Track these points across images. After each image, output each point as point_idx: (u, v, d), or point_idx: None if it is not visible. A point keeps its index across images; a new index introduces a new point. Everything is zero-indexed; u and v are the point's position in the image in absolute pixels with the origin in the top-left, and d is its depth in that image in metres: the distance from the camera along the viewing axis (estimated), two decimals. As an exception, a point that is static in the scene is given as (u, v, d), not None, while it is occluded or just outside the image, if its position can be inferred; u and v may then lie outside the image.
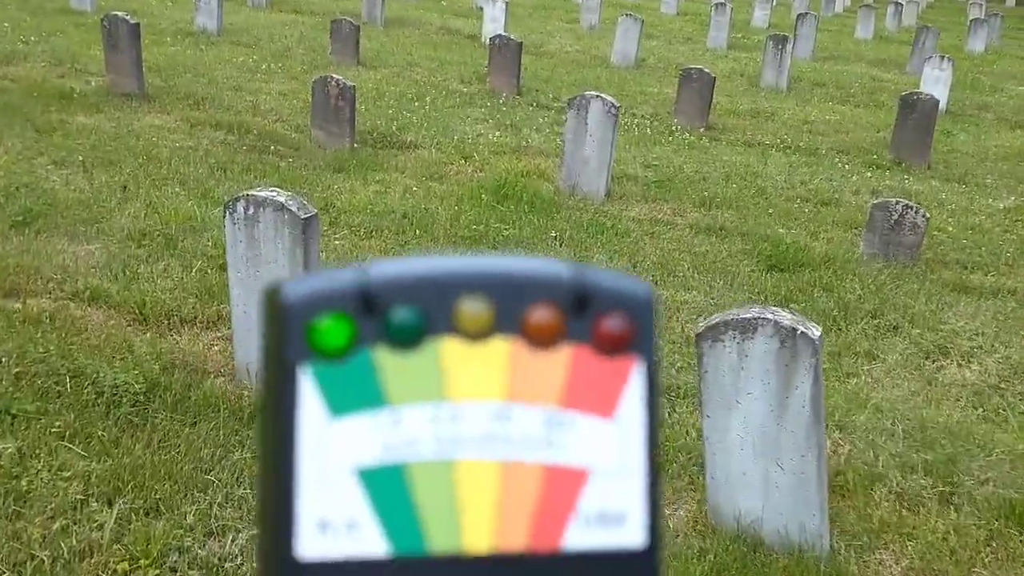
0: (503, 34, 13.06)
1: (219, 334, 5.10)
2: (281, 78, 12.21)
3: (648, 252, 7.08)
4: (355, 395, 0.39)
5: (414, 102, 11.61)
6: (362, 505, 0.39)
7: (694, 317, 5.96)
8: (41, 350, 4.49)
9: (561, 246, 7.04)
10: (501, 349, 0.40)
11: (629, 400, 0.41)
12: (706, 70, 11.93)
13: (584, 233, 7.33)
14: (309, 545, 0.38)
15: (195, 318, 5.20)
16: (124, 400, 4.17)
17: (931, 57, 15.02)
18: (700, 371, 3.70)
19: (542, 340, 0.40)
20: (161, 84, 10.82)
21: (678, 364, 5.26)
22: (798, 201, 8.96)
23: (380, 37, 16.47)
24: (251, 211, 4.36)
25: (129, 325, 5.08)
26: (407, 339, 0.39)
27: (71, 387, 4.24)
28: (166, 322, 5.12)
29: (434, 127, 10.34)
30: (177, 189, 7.32)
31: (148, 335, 4.92)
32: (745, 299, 6.35)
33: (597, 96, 8.16)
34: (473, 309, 0.39)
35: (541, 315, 0.40)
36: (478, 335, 0.40)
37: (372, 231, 6.93)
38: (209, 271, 5.75)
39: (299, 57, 13.86)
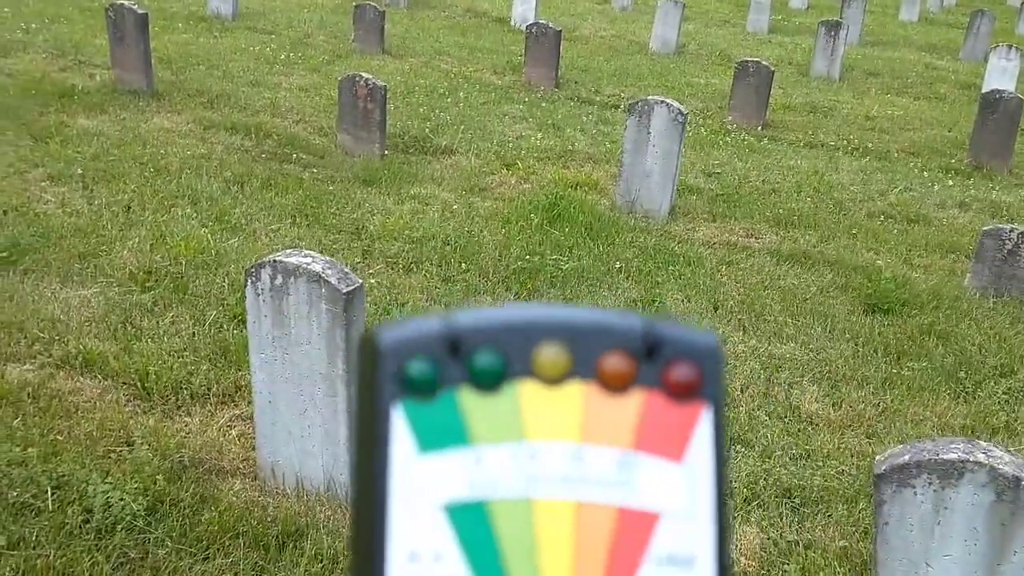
0: (541, 21, 12.07)
1: (237, 412, 4.21)
2: (301, 70, 11.27)
3: (728, 288, 6.14)
4: (442, 433, 0.40)
5: (446, 97, 10.66)
6: (448, 538, 0.40)
7: (798, 378, 5.04)
8: (19, 449, 3.62)
9: (628, 280, 6.11)
10: (576, 393, 0.41)
11: (698, 444, 0.42)
12: (764, 63, 10.93)
13: (652, 262, 6.40)
14: (399, 574, 0.40)
15: (208, 390, 4.31)
16: (119, 525, 3.28)
17: (998, 46, 13.94)
18: (877, 521, 2.78)
19: (615, 385, 0.41)
20: (171, 78, 9.90)
21: (795, 454, 4.33)
22: (881, 217, 8.00)
23: (404, 21, 15.48)
24: (279, 280, 3.46)
25: (129, 402, 4.20)
26: (489, 382, 0.41)
27: (54, 504, 3.37)
28: (173, 398, 4.23)
29: (470, 128, 9.39)
30: (188, 210, 6.42)
31: (152, 419, 4.03)
32: (850, 351, 5.43)
33: (662, 101, 7.20)
34: (551, 355, 0.41)
35: (614, 362, 0.41)
36: (555, 379, 0.41)
37: (412, 263, 6.02)
38: (224, 325, 4.86)
39: (320, 45, 12.90)
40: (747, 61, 11.05)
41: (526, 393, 0.41)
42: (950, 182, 9.31)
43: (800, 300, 6.08)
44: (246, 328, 3.68)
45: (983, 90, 13.94)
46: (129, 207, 6.38)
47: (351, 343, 3.43)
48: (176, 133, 8.24)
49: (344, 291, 3.36)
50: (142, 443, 3.79)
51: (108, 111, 8.60)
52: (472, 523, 0.40)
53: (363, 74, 8.11)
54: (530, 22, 14.91)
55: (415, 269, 5.97)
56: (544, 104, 10.86)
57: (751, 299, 6.00)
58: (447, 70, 12.41)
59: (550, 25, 11.75)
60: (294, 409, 3.61)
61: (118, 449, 3.79)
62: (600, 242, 6.66)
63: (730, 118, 10.98)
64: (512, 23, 16.23)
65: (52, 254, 5.49)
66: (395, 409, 0.40)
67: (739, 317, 5.75)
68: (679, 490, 0.41)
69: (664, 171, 7.32)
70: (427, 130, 9.10)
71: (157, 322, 4.83)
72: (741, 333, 5.55)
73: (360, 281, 3.44)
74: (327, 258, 3.48)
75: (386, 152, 8.23)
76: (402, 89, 10.64)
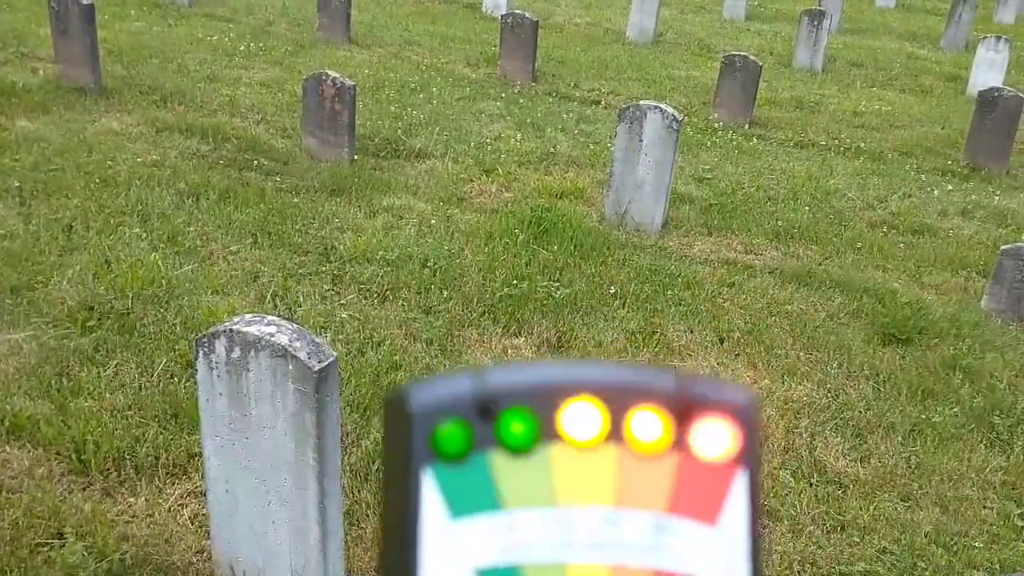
0: (516, 11, 11.46)
1: (189, 486, 3.64)
2: (262, 63, 10.58)
3: (732, 315, 5.64)
4: (473, 498, 0.40)
5: (418, 93, 10.04)
6: None
7: (820, 427, 4.55)
8: (-77, 552, 3.02)
9: (625, 307, 5.58)
10: (609, 455, 0.40)
11: (733, 508, 0.41)
12: (751, 57, 10.42)
13: (648, 285, 5.87)
14: None
15: (156, 460, 3.73)
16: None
17: (985, 38, 13.53)
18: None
19: (648, 448, 0.40)
20: (122, 73, 9.19)
21: (828, 526, 3.83)
22: (884, 228, 7.53)
23: (371, 7, 14.79)
24: (236, 354, 2.88)
25: (63, 476, 3.60)
26: (520, 445, 0.40)
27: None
28: (115, 472, 3.64)
29: (445, 128, 8.79)
30: (137, 230, 5.79)
31: (89, 502, 3.44)
32: (871, 392, 4.95)
33: (655, 107, 6.66)
34: (583, 418, 0.40)
35: (647, 424, 0.40)
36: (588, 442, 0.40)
37: (387, 290, 5.44)
38: (176, 376, 4.26)
39: (282, 35, 12.20)
40: (734, 55, 10.53)
41: (558, 456, 0.40)
42: (949, 186, 8.87)
43: (810, 328, 5.59)
44: (200, 434, 3.11)
45: (971, 83, 13.57)
46: (71, 227, 5.74)
47: (324, 428, 2.86)
48: (126, 136, 7.57)
49: (316, 368, 2.79)
50: (75, 537, 3.21)
51: (52, 111, 7.90)
52: None
53: (330, 72, 7.49)
54: (503, 10, 14.31)
55: (391, 297, 5.39)
56: (522, 100, 10.27)
57: (758, 328, 5.50)
58: (418, 62, 11.78)
59: (527, 15, 11.15)
60: (256, 502, 3.04)
61: (47, 544, 3.20)
62: (591, 262, 6.12)
63: (716, 115, 10.47)
64: (484, 10, 15.59)
65: (-21, 288, 4.86)
66: (425, 474, 0.40)
67: (747, 351, 5.25)
68: (714, 554, 0.41)
69: (657, 181, 6.79)
70: (399, 131, 8.49)
71: (98, 372, 4.22)
72: (752, 371, 5.05)
73: (334, 356, 2.87)
74: (294, 326, 2.90)
75: (355, 157, 7.63)
76: (371, 84, 10.01)
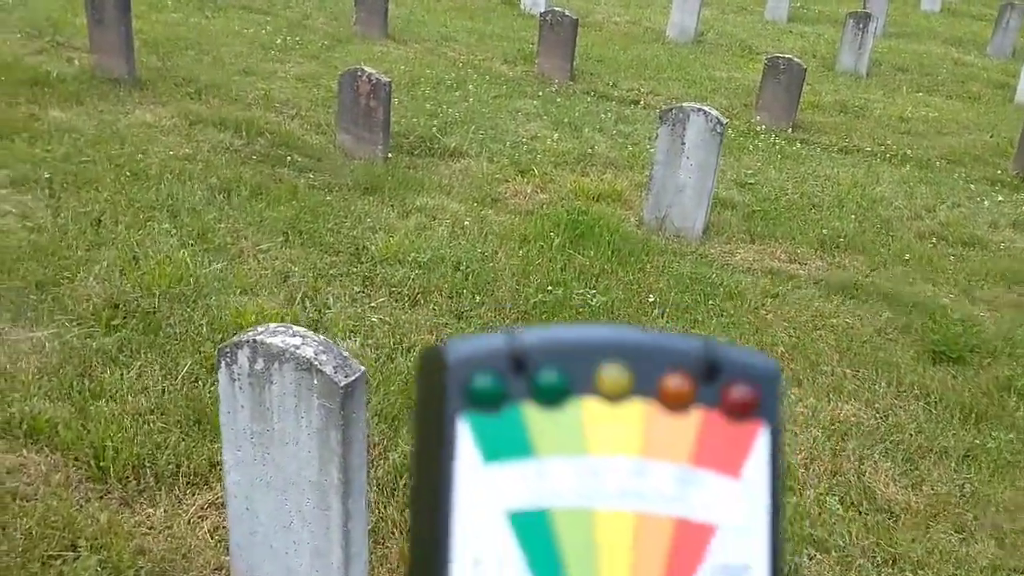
0: (556, 9, 11.26)
1: (210, 497, 3.50)
2: (299, 57, 10.47)
3: (776, 329, 5.43)
4: (506, 445, 0.41)
5: (454, 90, 9.88)
6: (511, 545, 0.41)
7: (869, 450, 4.34)
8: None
9: (664, 317, 5.39)
10: (637, 410, 0.42)
11: (755, 462, 0.43)
12: (795, 60, 10.16)
13: (688, 295, 5.67)
14: None
15: (177, 469, 3.59)
16: None
17: (1037, 43, 13.14)
18: None
19: (675, 404, 0.42)
20: (157, 65, 9.11)
21: (879, 559, 3.62)
22: (933, 239, 7.27)
23: (409, 2, 14.64)
24: (260, 365, 2.73)
25: (80, 483, 3.48)
26: (553, 397, 0.41)
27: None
28: (134, 480, 3.51)
29: (481, 127, 8.63)
30: (166, 225, 5.68)
31: (105, 512, 3.32)
32: (922, 413, 4.72)
33: (699, 109, 6.45)
34: (613, 373, 0.42)
35: (675, 381, 0.42)
36: (617, 397, 0.42)
37: (418, 293, 5.29)
38: (200, 379, 4.13)
39: (319, 28, 12.09)
40: (777, 57, 10.28)
41: (588, 409, 0.42)
42: (999, 197, 8.58)
43: (857, 344, 5.37)
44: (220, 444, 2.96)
45: (1019, 90, 13.21)
46: (99, 221, 5.64)
47: (349, 446, 2.71)
48: (159, 129, 7.47)
49: (342, 384, 2.64)
50: (90, 550, 3.08)
51: (84, 102, 7.82)
52: (534, 530, 0.41)
53: (365, 68, 7.34)
54: (542, 7, 14.12)
55: (422, 301, 5.24)
56: (559, 100, 10.08)
57: (803, 343, 5.29)
58: (455, 58, 11.62)
59: (566, 13, 10.95)
60: (277, 520, 2.89)
61: (60, 557, 3.08)
62: (629, 268, 5.94)
63: (758, 118, 10.22)
64: (522, 7, 15.40)
65: (4, 282, 4.75)
66: (461, 421, 0.41)
67: (792, 367, 5.04)
68: (736, 504, 0.42)
69: (699, 186, 6.58)
70: (434, 129, 8.33)
71: (121, 374, 4.10)
72: (797, 388, 4.84)
73: (362, 370, 2.71)
74: (320, 338, 2.75)
75: (390, 155, 7.48)
76: (406, 80, 9.86)
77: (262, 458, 2.84)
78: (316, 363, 2.65)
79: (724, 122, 6.48)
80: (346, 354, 2.73)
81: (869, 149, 9.77)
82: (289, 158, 7.18)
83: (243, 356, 2.74)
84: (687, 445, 0.42)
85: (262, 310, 4.76)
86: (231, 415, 2.84)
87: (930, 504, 4.04)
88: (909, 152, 9.76)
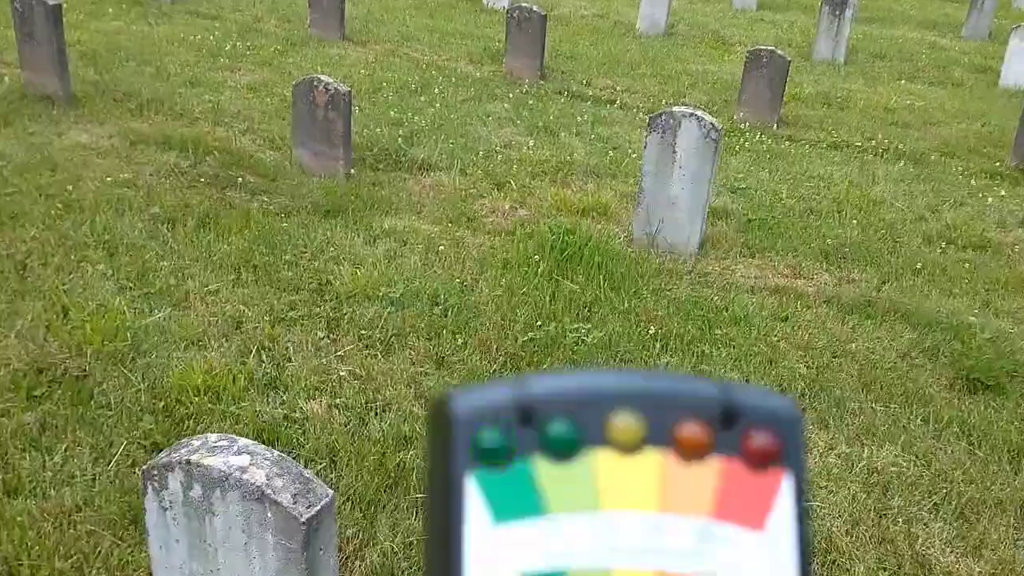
0: (523, 4, 10.64)
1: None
2: (250, 63, 9.77)
3: (791, 359, 4.87)
4: (516, 503, 0.40)
5: (419, 95, 9.24)
6: None
7: (915, 505, 3.79)
8: None
9: (667, 351, 4.81)
10: (653, 461, 0.40)
11: (779, 513, 0.41)
12: (779, 52, 9.63)
13: (691, 324, 5.10)
14: None
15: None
16: None
17: (1018, 27, 12.74)
18: None
19: (693, 453, 0.40)
20: (94, 79, 8.39)
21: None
22: (941, 244, 6.76)
23: (366, 1, 13.95)
24: (196, 492, 2.11)
25: (-12, 613, 2.84)
26: (564, 451, 0.40)
27: None
28: (55, 606, 2.88)
29: (450, 135, 8.00)
30: (101, 266, 5.01)
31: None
32: (965, 455, 4.19)
33: (691, 114, 5.88)
34: (626, 423, 0.40)
35: (691, 429, 0.40)
36: (631, 448, 0.40)
37: (392, 336, 4.67)
38: (138, 460, 3.49)
39: (271, 32, 11.38)
40: (759, 49, 9.74)
41: (601, 462, 0.40)
42: (1002, 192, 8.10)
43: (881, 373, 4.83)
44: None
45: (1003, 75, 12.80)
46: (24, 264, 4.96)
47: (318, 592, 2.10)
48: (95, 151, 6.78)
49: (304, 518, 2.03)
50: None
51: (14, 123, 7.11)
52: None
53: (322, 77, 6.70)
54: (505, 3, 13.51)
55: (397, 345, 4.62)
56: (531, 101, 9.48)
57: (822, 376, 4.73)
58: (417, 59, 10.98)
59: (535, 8, 10.33)
60: None
61: None
62: (624, 294, 5.36)
63: (741, 115, 9.68)
64: (484, 2, 14.77)
65: (-93, 348, 4.08)
66: (469, 480, 0.39)
67: (815, 405, 4.48)
68: (761, 559, 0.40)
69: (693, 198, 6.01)
70: (400, 139, 7.70)
71: (43, 461, 3.45)
72: (824, 431, 4.28)
73: (330, 495, 2.10)
74: (274, 454, 2.13)
75: (352, 170, 6.85)
76: (367, 86, 9.21)
77: (205, 605, 2.22)
78: (269, 491, 2.03)
79: (720, 128, 5.91)
80: (309, 475, 2.11)
81: (859, 144, 9.26)
82: (241, 179, 6.52)
83: (175, 481, 2.12)
84: (707, 497, 0.40)
85: (211, 368, 4.12)
86: (164, 551, 2.22)
87: (994, 573, 3.50)
88: (901, 146, 9.27)
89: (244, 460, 2.09)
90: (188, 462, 2.10)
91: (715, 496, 0.40)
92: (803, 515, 0.41)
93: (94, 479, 3.40)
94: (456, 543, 0.39)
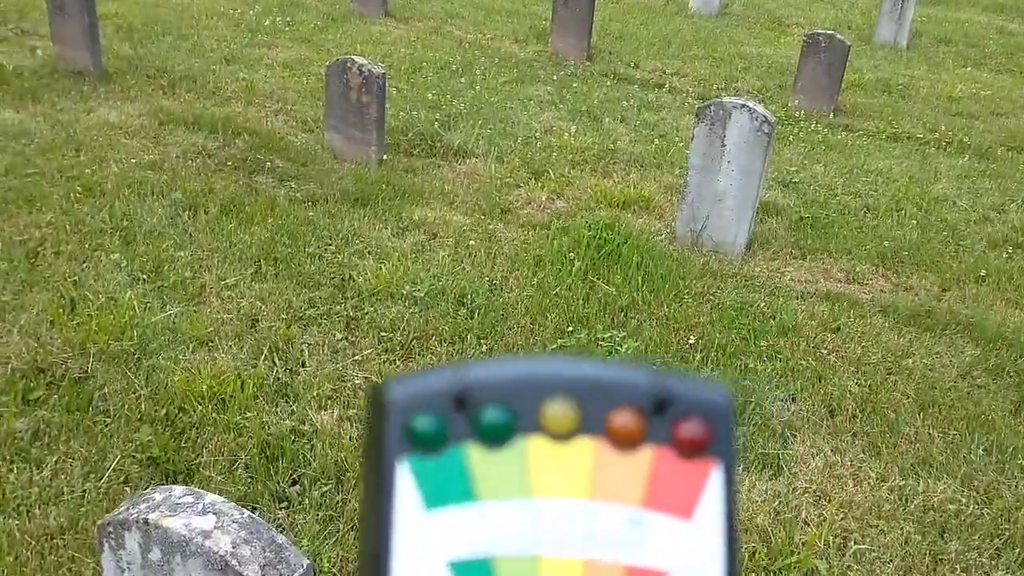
0: (571, -18, 10.24)
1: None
2: (288, 40, 9.52)
3: (841, 375, 4.52)
4: (448, 489, 0.40)
5: (459, 76, 8.93)
6: None
7: (973, 551, 3.44)
8: None
9: (707, 363, 4.49)
10: (585, 449, 0.41)
11: (708, 502, 0.42)
12: (838, 36, 9.15)
13: (734, 332, 4.77)
14: None
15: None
16: None
17: (1096, 11, 12.06)
18: None
19: (624, 442, 0.41)
20: (128, 53, 8.20)
21: None
22: (1008, 249, 6.33)
23: (411, -25, 13.63)
24: (155, 555, 1.86)
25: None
26: (497, 437, 0.40)
27: None
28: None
29: (489, 120, 7.69)
30: (116, 255, 4.80)
31: None
32: (1032, 493, 3.82)
33: (743, 105, 5.51)
34: (559, 411, 0.40)
35: (624, 418, 0.41)
36: (563, 435, 0.40)
37: (413, 339, 4.40)
38: (131, 476, 3.26)
39: (313, 7, 11.12)
40: (817, 33, 9.26)
41: (534, 449, 0.40)
42: (1074, 191, 7.60)
43: (940, 393, 4.46)
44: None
45: (1076, 63, 12.14)
46: (37, 253, 4.77)
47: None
48: (123, 131, 6.58)
49: (273, 593, 1.76)
50: None
51: (42, 99, 6.94)
52: None
53: (356, 59, 6.41)
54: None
55: (418, 349, 4.35)
56: (575, 84, 9.12)
57: (876, 396, 4.38)
58: (460, 37, 10.65)
59: (583, -13, 9.94)
60: None
61: None
62: (664, 297, 5.03)
63: (796, 102, 9.24)
64: (533, -22, 14.36)
65: (-95, 342, 3.90)
66: (401, 465, 0.40)
67: (866, 428, 4.14)
68: (689, 548, 0.41)
69: (742, 194, 5.65)
70: (436, 124, 7.40)
71: (31, 475, 3.24)
72: (875, 459, 3.94)
73: (304, 566, 1.83)
74: (244, 515, 1.87)
75: (384, 156, 6.57)
76: (406, 66, 8.92)
77: (167, 675, 1.97)
78: (233, 562, 1.77)
79: (773, 121, 5.53)
80: (282, 540, 1.84)
81: (921, 136, 8.78)
82: (269, 163, 6.28)
83: (132, 541, 1.86)
84: (638, 486, 0.41)
85: (219, 373, 3.88)
86: (122, 613, 1.97)
87: (1063, 634, 3.16)
88: (965, 139, 8.77)
89: (209, 522, 1.83)
90: (146, 521, 1.85)
91: (646, 484, 0.41)
92: (731, 504, 0.42)
93: (83, 496, 3.18)
94: (386, 528, 0.39)
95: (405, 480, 0.39)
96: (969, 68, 11.99)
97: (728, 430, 0.42)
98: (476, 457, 0.40)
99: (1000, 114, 9.94)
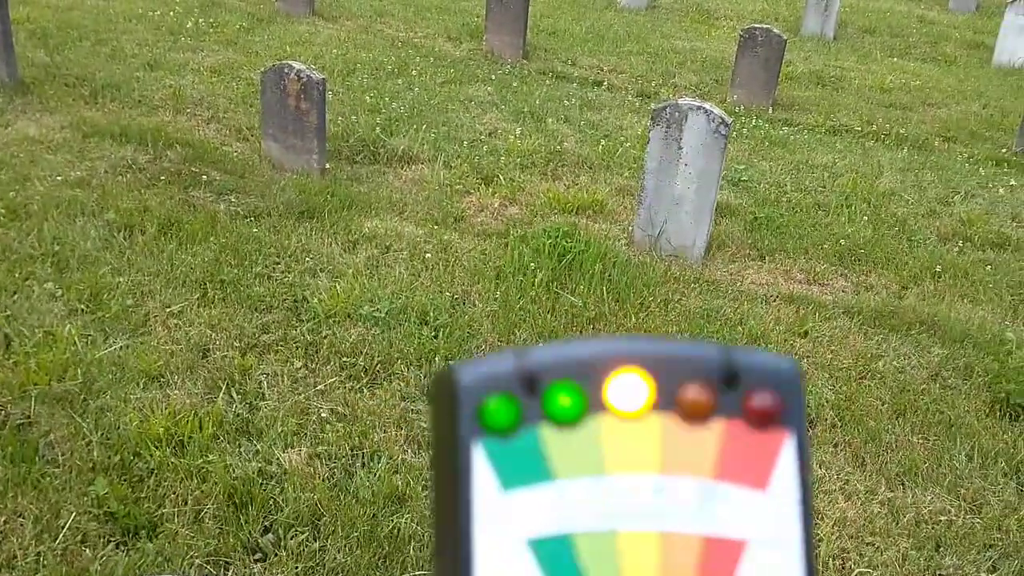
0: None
1: None
2: (213, 43, 9.14)
3: (816, 382, 4.44)
4: (523, 470, 0.40)
5: (396, 77, 8.68)
6: (534, 572, 0.39)
7: (970, 565, 3.38)
8: None
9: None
10: (655, 424, 0.40)
11: (782, 472, 0.41)
12: (774, 30, 9.18)
13: (703, 339, 4.65)
14: None
15: None
16: None
17: (1014, 1, 12.34)
18: None
19: (695, 415, 0.40)
20: (44, 61, 7.75)
21: None
22: (958, 242, 6.37)
23: (336, -28, 13.28)
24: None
25: None
26: (567, 417, 0.40)
27: None
28: None
29: (431, 123, 7.47)
30: (50, 285, 4.47)
31: None
32: (1016, 496, 3.79)
33: (698, 107, 5.40)
34: (629, 388, 0.40)
35: (694, 392, 0.40)
36: (635, 412, 0.40)
37: (378, 365, 4.18)
38: (87, 538, 2.99)
39: (236, 7, 10.73)
40: (754, 28, 9.27)
41: (605, 426, 0.40)
42: (1012, 181, 7.73)
43: (914, 397, 4.42)
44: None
45: (997, 51, 12.42)
46: (-39, 284, 4.42)
47: None
48: (45, 145, 6.19)
49: None
50: None
51: (-45, 113, 6.50)
52: (557, 557, 0.39)
53: (294, 64, 6.14)
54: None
55: (383, 375, 4.14)
56: (515, 84, 8.95)
57: (851, 403, 4.31)
58: (392, 36, 10.39)
59: (517, -17, 9.77)
60: None
61: None
62: (629, 306, 4.90)
63: (735, 97, 9.23)
64: (460, -27, 14.13)
65: None
66: (476, 448, 0.39)
67: (847, 438, 4.06)
68: (765, 518, 0.40)
69: (699, 198, 5.56)
70: (378, 128, 7.16)
71: (-26, 540, 2.95)
72: (859, 471, 3.86)
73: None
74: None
75: (327, 165, 6.31)
76: (340, 67, 8.64)
77: None
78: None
79: (729, 123, 5.44)
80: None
81: (859, 128, 8.84)
82: (205, 176, 5.97)
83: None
84: (709, 458, 0.40)
85: (174, 412, 3.61)
86: None
87: (1069, 648, 3.11)
88: (902, 131, 8.86)
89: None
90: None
91: (717, 457, 0.40)
92: (805, 474, 0.41)
93: (38, 559, 2.90)
94: (465, 511, 0.39)
95: (480, 463, 0.39)
96: (895, 58, 12.17)
97: (798, 400, 0.41)
98: (549, 437, 0.40)
99: (931, 104, 10.09)
